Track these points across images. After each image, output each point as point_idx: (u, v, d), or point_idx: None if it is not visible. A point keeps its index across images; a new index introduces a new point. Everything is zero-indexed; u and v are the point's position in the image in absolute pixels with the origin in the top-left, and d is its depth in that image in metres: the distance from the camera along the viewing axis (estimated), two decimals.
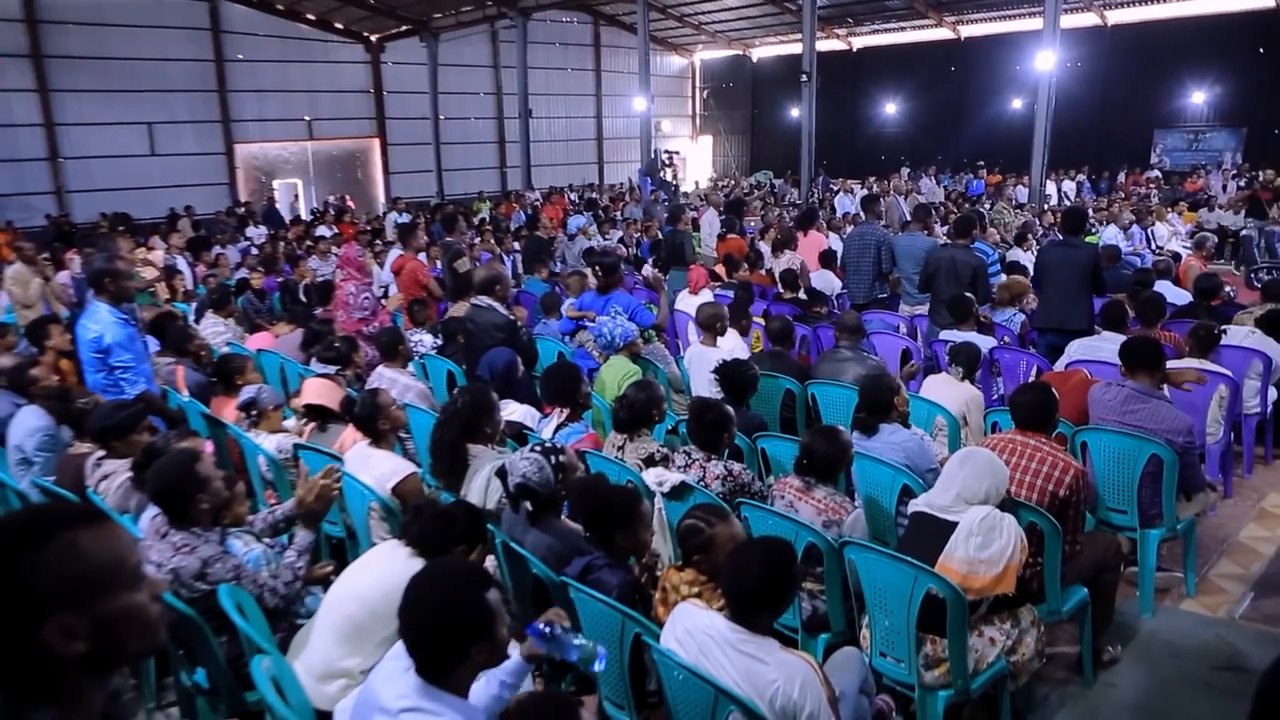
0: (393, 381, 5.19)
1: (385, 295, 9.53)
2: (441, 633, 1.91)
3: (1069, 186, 20.28)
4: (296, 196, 22.68)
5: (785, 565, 2.40)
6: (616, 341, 5.45)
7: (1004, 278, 7.88)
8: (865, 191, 17.68)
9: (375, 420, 3.89)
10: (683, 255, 9.76)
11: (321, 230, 15.87)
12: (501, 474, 3.20)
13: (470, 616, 1.91)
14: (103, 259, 5.06)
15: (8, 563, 1.14)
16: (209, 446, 4.60)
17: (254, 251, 13.67)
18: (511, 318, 5.94)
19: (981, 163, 23.15)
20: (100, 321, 4.82)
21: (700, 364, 5.55)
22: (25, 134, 17.78)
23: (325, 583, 3.28)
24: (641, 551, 3.13)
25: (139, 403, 4.15)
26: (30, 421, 4.39)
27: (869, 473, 3.89)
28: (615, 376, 5.16)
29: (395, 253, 9.12)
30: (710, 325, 5.73)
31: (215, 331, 7.46)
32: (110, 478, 3.72)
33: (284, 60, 21.51)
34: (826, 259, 9.27)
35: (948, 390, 4.89)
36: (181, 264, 10.95)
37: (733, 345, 5.80)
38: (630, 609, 2.64)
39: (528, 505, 3.14)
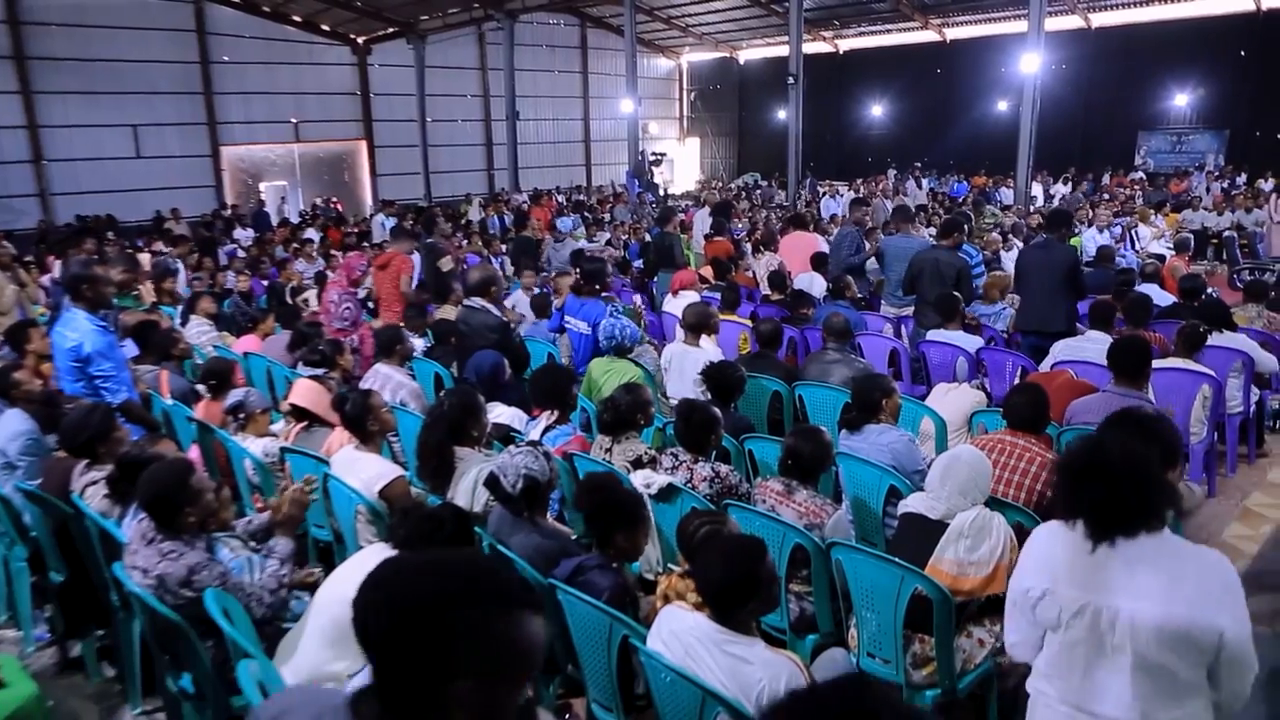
0: (388, 378, 5.16)
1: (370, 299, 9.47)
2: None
3: (1058, 188, 20.35)
4: (284, 199, 22.57)
5: (749, 561, 2.36)
6: (626, 343, 5.33)
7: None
8: (853, 194, 17.74)
9: (365, 420, 3.88)
10: (672, 258, 9.71)
11: (310, 233, 15.79)
12: (491, 484, 3.18)
13: None
14: (79, 264, 4.96)
15: (470, 607, 1.14)
16: (194, 452, 4.57)
17: (240, 254, 13.59)
18: (505, 319, 5.93)
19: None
20: (79, 329, 4.72)
21: (681, 363, 5.54)
22: (8, 136, 17.62)
23: (311, 587, 3.26)
24: (636, 557, 3.13)
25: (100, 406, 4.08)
26: (13, 425, 4.34)
27: (856, 474, 3.90)
28: (614, 381, 5.04)
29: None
30: (698, 325, 5.72)
31: (200, 331, 7.43)
32: (98, 484, 3.68)
33: (270, 62, 21.40)
34: (818, 261, 9.28)
35: (952, 396, 4.89)
36: (179, 267, 10.84)
37: (711, 346, 5.79)
38: (621, 612, 2.64)
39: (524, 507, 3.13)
